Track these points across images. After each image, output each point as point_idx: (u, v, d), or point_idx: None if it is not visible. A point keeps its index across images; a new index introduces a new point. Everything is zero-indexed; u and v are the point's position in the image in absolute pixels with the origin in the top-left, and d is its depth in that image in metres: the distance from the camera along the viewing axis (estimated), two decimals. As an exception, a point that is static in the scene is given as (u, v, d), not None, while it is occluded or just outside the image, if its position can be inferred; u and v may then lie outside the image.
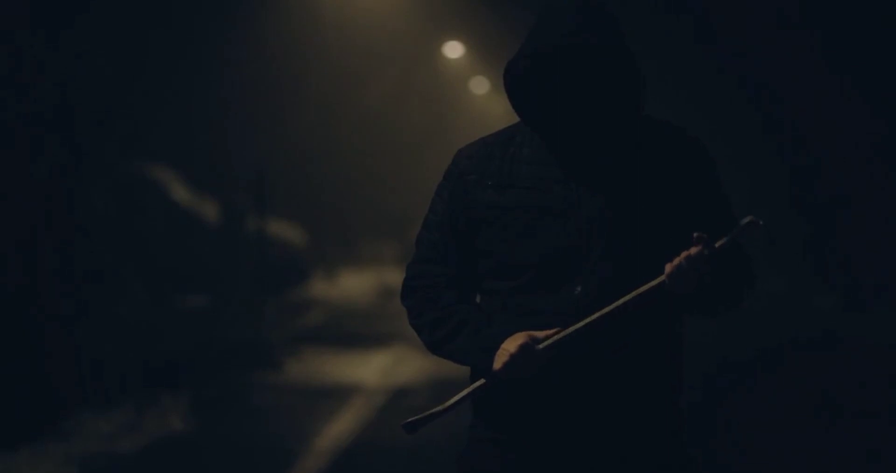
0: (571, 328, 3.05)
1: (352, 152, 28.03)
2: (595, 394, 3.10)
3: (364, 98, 26.13)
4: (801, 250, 21.21)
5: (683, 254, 2.99)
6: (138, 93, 15.96)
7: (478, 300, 3.24)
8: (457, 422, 3.19)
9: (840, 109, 19.90)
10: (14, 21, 11.09)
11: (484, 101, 30.30)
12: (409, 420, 3.15)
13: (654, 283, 3.03)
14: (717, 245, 3.00)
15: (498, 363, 3.07)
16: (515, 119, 3.27)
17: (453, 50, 26.07)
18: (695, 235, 3.00)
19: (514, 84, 3.17)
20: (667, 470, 3.16)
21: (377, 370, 13.27)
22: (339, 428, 9.74)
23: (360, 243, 30.72)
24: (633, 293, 3.03)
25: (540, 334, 3.06)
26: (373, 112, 27.23)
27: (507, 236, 3.14)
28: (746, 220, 3.03)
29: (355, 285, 25.62)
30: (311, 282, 23.53)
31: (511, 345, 3.06)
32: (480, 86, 29.53)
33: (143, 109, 16.35)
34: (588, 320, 3.04)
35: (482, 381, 3.12)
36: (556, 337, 3.05)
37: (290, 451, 8.86)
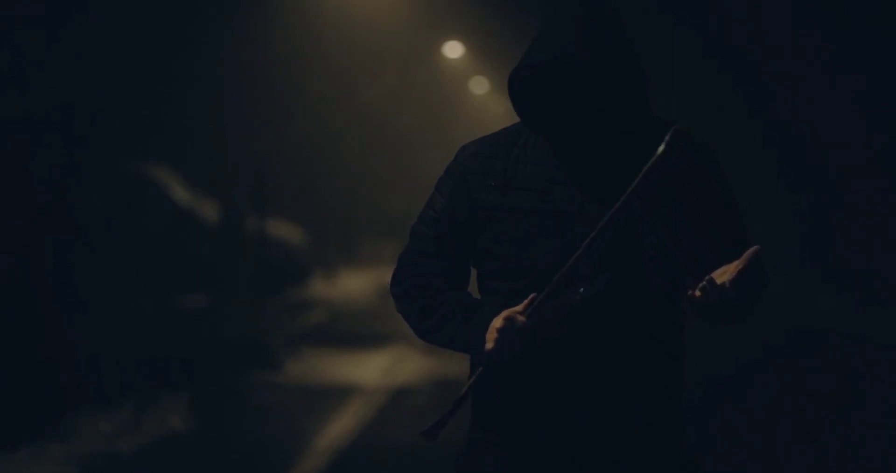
0: (546, 289, 3.05)
1: (352, 152, 28.01)
2: (594, 396, 3.10)
3: (363, 98, 26.13)
4: (800, 250, 21.21)
5: (697, 292, 2.97)
6: (138, 93, 15.96)
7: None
8: (456, 423, 3.19)
9: (840, 109, 19.90)
10: (14, 20, 11.09)
11: (484, 101, 30.27)
12: (427, 427, 3.15)
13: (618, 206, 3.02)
14: (729, 282, 2.96)
15: (489, 344, 3.07)
16: (516, 118, 3.27)
17: (453, 50, 26.04)
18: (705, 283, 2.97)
19: (517, 90, 3.16)
20: (667, 471, 3.16)
21: (377, 370, 13.26)
22: (339, 428, 9.74)
23: (360, 243, 30.71)
24: (591, 237, 3.03)
25: (519, 307, 3.06)
26: (372, 112, 27.21)
27: (509, 238, 3.14)
28: (754, 249, 3.00)
29: (355, 285, 25.61)
30: (310, 282, 23.51)
31: (496, 322, 3.06)
32: (480, 86, 29.51)
33: (143, 109, 16.35)
34: (555, 278, 3.04)
35: (480, 369, 3.12)
36: (534, 302, 3.06)
37: (290, 451, 8.86)
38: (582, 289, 3.08)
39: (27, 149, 10.96)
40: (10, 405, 9.31)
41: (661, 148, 3.03)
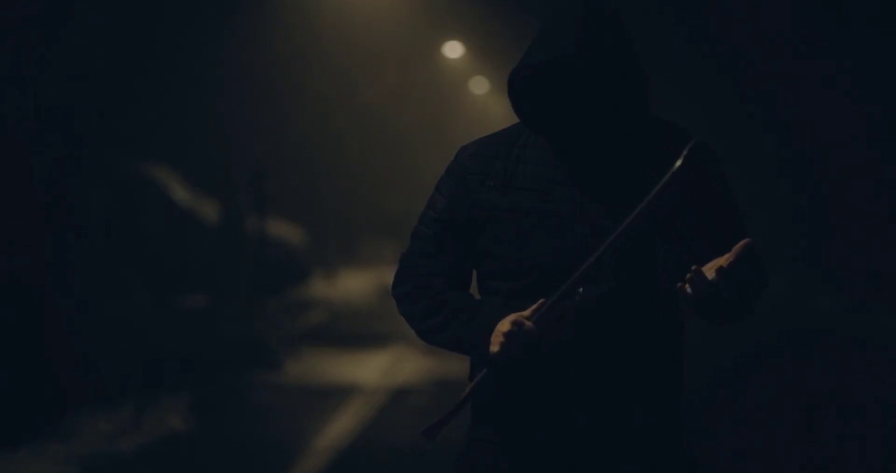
0: (553, 297, 3.04)
1: (352, 152, 28.01)
2: (594, 396, 3.10)
3: (364, 98, 26.12)
4: (800, 249, 21.21)
5: (686, 285, 2.95)
6: (138, 93, 15.96)
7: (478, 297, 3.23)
8: (456, 423, 3.19)
9: (840, 109, 19.89)
10: (14, 20, 11.10)
11: (484, 101, 30.27)
12: (427, 427, 3.14)
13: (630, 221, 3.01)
14: (717, 278, 2.95)
15: (494, 347, 3.07)
16: (516, 119, 3.27)
17: (453, 50, 26.04)
18: (692, 271, 2.95)
19: (517, 90, 3.16)
20: (666, 471, 3.16)
21: (377, 370, 13.26)
22: (339, 428, 9.74)
23: (360, 243, 30.71)
24: (602, 248, 3.02)
25: (527, 312, 3.06)
26: (372, 112, 27.20)
27: (508, 238, 3.14)
28: (743, 242, 2.99)
29: (355, 285, 25.60)
30: (311, 282, 23.51)
31: (503, 326, 3.06)
32: (480, 86, 29.50)
33: (143, 109, 16.35)
34: (564, 286, 3.04)
35: (483, 371, 3.12)
36: (542, 308, 3.05)
37: (290, 451, 8.86)
38: (581, 289, 3.08)
39: (27, 149, 10.96)
40: (10, 405, 9.31)
41: (679, 163, 3.02)
